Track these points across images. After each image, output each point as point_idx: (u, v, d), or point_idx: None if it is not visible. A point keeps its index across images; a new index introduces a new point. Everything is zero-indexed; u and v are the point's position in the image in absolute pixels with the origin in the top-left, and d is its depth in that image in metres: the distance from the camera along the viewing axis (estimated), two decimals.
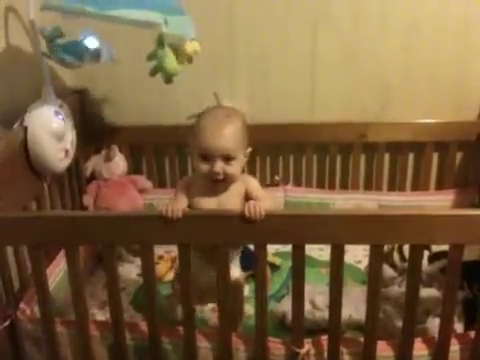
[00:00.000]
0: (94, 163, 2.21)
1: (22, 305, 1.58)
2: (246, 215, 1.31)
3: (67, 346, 1.53)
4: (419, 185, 2.29)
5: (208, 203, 1.48)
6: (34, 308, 1.57)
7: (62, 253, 1.69)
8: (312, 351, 1.46)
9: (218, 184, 1.48)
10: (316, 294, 1.73)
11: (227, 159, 1.44)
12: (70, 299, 1.49)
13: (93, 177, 2.22)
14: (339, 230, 1.33)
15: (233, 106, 2.20)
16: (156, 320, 1.46)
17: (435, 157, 2.27)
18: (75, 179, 2.15)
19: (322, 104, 2.25)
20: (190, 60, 1.77)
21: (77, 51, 1.66)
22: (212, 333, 1.51)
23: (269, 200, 1.46)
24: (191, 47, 1.72)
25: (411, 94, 2.20)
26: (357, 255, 2.06)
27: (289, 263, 1.81)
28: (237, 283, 1.55)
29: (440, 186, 2.29)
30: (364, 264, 2.02)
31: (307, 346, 1.45)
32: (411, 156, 2.28)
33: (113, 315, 1.47)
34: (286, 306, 1.64)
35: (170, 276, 1.94)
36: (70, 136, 1.88)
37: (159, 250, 2.06)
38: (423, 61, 2.16)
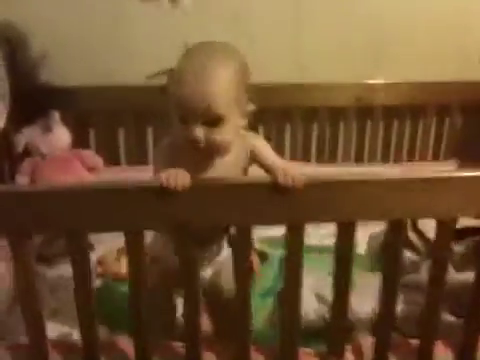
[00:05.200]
0: (28, 135, 1.93)
1: None
2: (280, 183, 0.96)
3: None
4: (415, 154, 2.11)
5: None
6: None
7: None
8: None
9: (207, 154, 1.10)
10: (321, 285, 1.47)
11: (213, 123, 1.05)
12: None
13: (27, 153, 1.95)
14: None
15: None
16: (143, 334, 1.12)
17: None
18: (5, 156, 1.92)
19: (310, 62, 2.01)
20: None
21: None
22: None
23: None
24: None
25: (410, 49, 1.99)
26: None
27: (277, 252, 1.60)
28: None
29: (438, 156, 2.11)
30: (363, 247, 1.78)
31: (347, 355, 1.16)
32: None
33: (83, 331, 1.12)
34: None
35: None
36: None
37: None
38: (423, 11, 1.95)
